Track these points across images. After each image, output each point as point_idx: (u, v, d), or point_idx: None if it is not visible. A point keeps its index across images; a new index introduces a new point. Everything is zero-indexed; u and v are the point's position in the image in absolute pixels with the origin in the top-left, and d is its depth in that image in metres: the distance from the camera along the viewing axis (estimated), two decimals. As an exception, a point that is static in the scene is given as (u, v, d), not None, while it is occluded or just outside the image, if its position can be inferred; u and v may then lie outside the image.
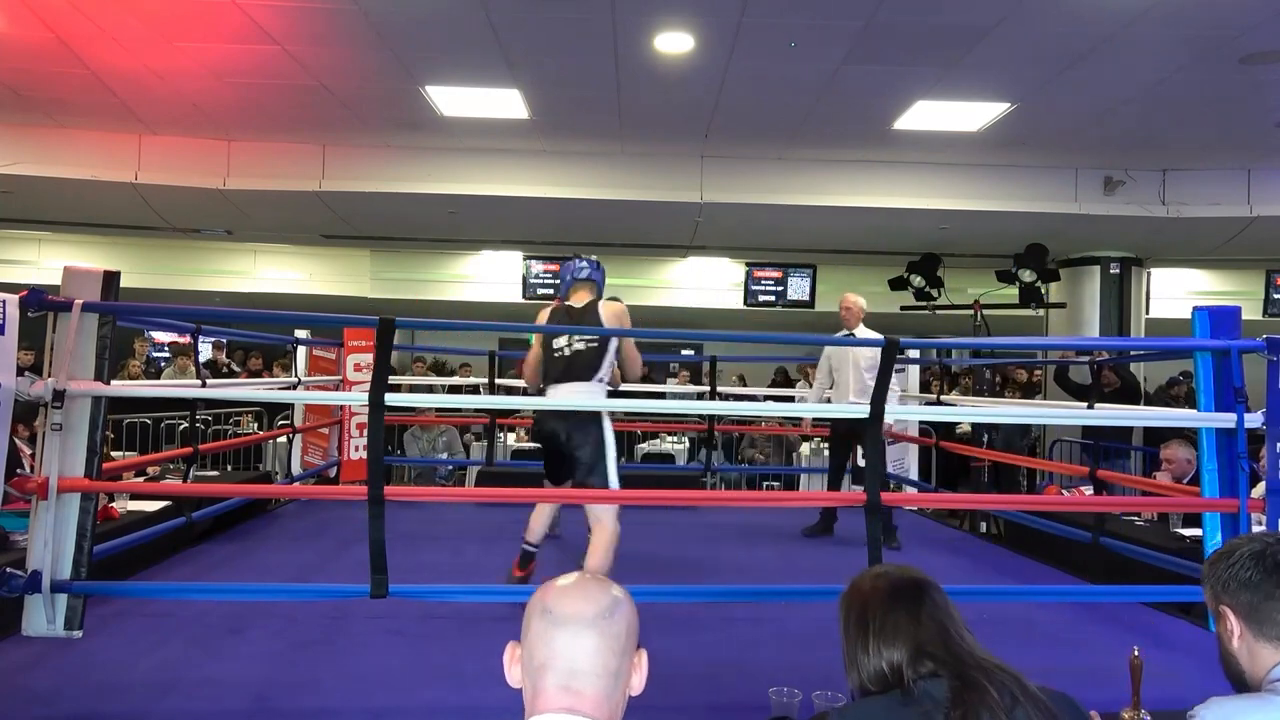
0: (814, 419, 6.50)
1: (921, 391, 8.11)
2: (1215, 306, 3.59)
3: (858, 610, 1.53)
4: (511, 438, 9.09)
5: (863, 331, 5.81)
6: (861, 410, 3.44)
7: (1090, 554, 4.63)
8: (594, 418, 4.01)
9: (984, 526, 7.03)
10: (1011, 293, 8.83)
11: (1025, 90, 6.22)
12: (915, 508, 7.20)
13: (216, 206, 8.50)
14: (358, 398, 3.43)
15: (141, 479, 5.25)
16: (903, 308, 9.46)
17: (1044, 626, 3.94)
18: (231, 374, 9.84)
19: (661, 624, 3.87)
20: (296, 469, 6.80)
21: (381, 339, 3.14)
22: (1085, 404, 5.73)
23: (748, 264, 11.21)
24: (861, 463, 5.14)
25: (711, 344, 9.01)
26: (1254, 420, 3.36)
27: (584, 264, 4.15)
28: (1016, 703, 1.40)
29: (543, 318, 4.15)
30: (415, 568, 4.45)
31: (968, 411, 7.29)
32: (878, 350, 3.75)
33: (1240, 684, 1.59)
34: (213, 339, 9.38)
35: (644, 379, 11.55)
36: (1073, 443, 8.16)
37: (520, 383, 8.65)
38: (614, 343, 3.98)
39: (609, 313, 4.00)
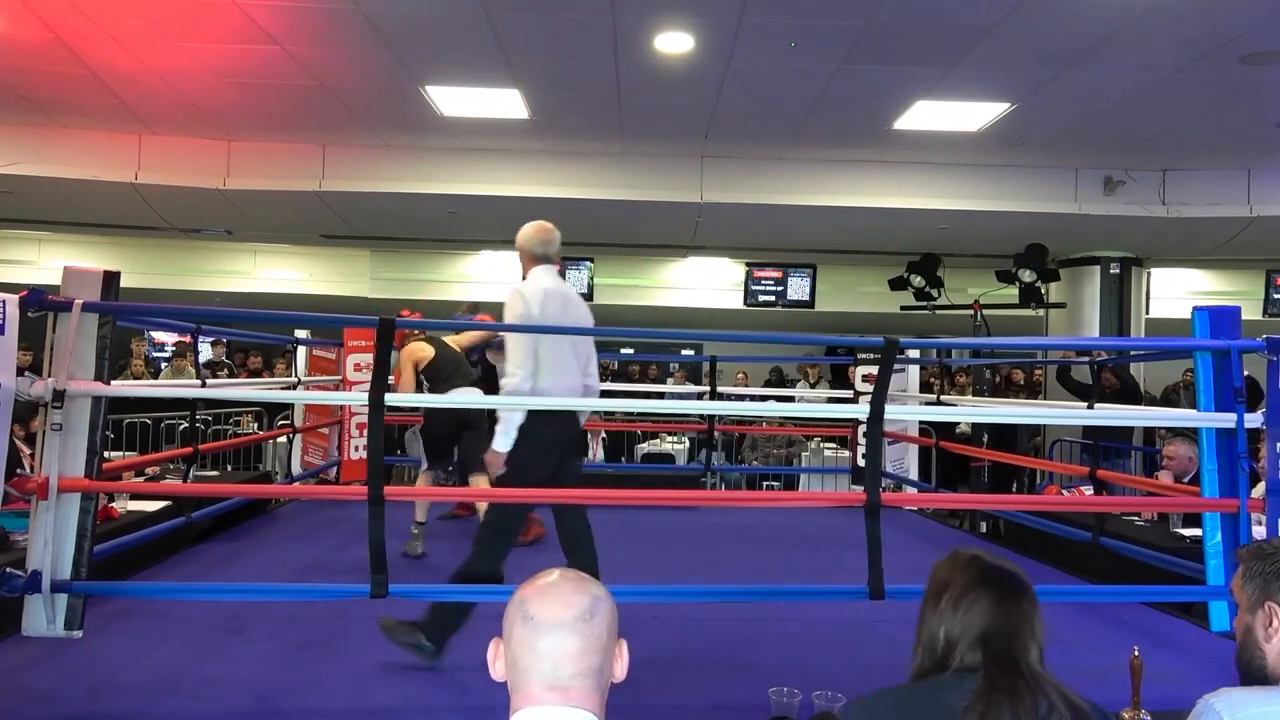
0: None
1: (921, 391, 8.11)
2: (1215, 306, 3.58)
3: (947, 572, 1.55)
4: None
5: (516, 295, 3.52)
6: (862, 410, 3.44)
7: (1090, 554, 4.63)
8: None
9: (984, 526, 7.03)
10: (1011, 293, 8.83)
11: (1025, 90, 6.22)
12: (915, 508, 7.20)
13: (216, 206, 8.50)
14: (358, 398, 3.43)
15: (141, 479, 5.25)
16: (903, 307, 9.45)
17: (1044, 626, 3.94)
18: (230, 374, 9.83)
19: (662, 624, 3.88)
20: (296, 469, 6.80)
21: (381, 339, 3.14)
22: (1085, 404, 5.73)
23: (748, 264, 11.20)
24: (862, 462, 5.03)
25: (711, 344, 9.00)
26: (1254, 420, 3.36)
27: None
28: (1053, 710, 1.39)
29: None
30: (415, 568, 4.46)
31: (968, 411, 7.30)
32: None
33: (1258, 679, 1.59)
34: (212, 338, 9.38)
35: (647, 379, 11.56)
36: (1073, 443, 8.16)
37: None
38: None
39: None
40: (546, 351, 3.47)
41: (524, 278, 3.63)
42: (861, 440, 6.56)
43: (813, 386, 11.16)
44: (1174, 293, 11.34)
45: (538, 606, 1.26)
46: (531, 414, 3.45)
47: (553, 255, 3.66)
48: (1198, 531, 3.97)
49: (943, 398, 6.95)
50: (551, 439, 3.53)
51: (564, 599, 1.26)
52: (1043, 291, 8.91)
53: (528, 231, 3.65)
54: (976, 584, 1.50)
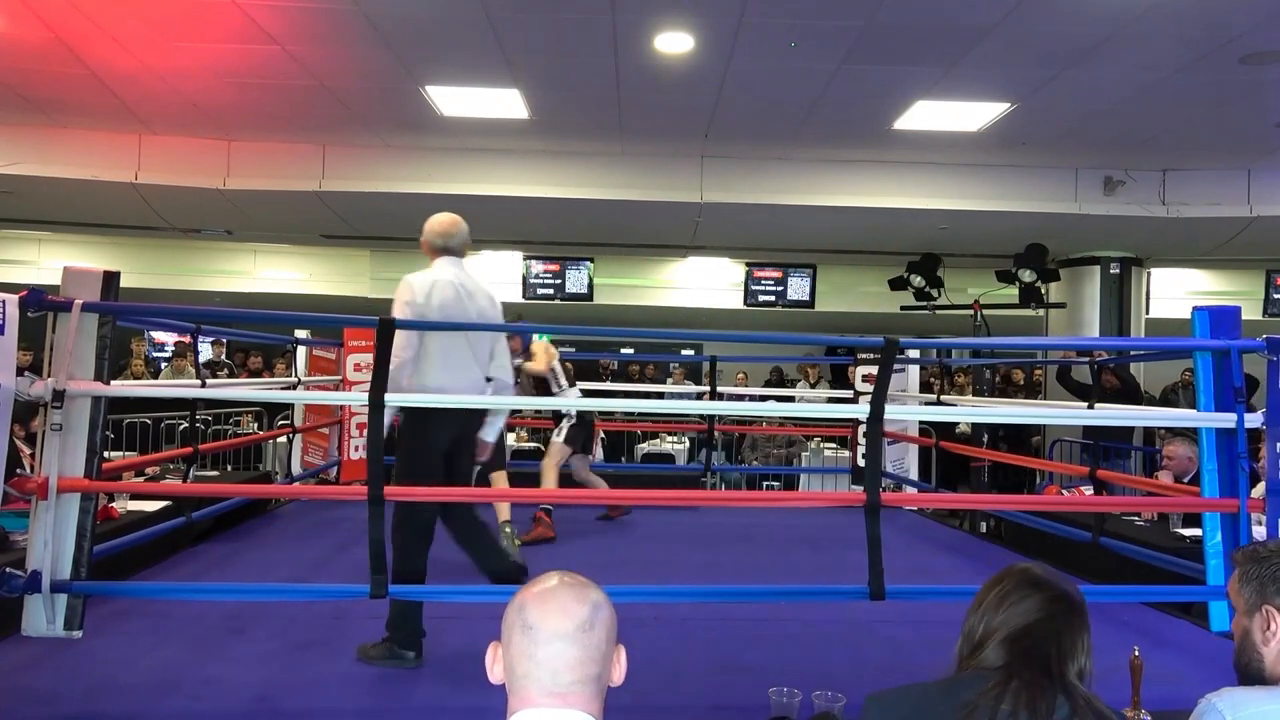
0: None
1: (921, 391, 8.11)
2: (1215, 306, 3.58)
3: (1004, 572, 1.58)
4: (511, 437, 9.08)
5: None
6: (862, 410, 3.44)
7: (1090, 554, 4.63)
8: None
9: (984, 526, 7.03)
10: (1011, 293, 8.83)
11: (1025, 90, 6.22)
12: (915, 508, 7.21)
13: (216, 206, 8.50)
14: (358, 398, 3.43)
15: (141, 479, 5.25)
16: (903, 307, 9.46)
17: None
18: (230, 374, 9.83)
19: (662, 624, 3.88)
20: (296, 469, 6.81)
21: (381, 339, 3.15)
22: (1085, 404, 5.73)
23: (748, 264, 11.21)
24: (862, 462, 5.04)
25: (711, 344, 9.01)
26: (1254, 420, 3.36)
27: None
28: (1075, 713, 1.39)
29: None
30: (415, 568, 4.43)
31: (968, 411, 7.30)
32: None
33: (1256, 682, 1.59)
34: (212, 338, 9.39)
35: (646, 379, 11.57)
36: (1073, 443, 8.16)
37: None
38: None
39: None
40: (435, 343, 3.40)
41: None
42: (861, 440, 6.56)
43: (813, 386, 11.16)
44: (1174, 293, 11.35)
45: (537, 615, 1.24)
46: (413, 410, 3.38)
47: (455, 247, 3.66)
48: (1198, 531, 3.97)
49: (943, 398, 6.95)
50: (434, 436, 3.47)
51: (563, 608, 1.24)
52: (1043, 291, 8.91)
53: (430, 224, 3.70)
54: (1027, 585, 1.53)
